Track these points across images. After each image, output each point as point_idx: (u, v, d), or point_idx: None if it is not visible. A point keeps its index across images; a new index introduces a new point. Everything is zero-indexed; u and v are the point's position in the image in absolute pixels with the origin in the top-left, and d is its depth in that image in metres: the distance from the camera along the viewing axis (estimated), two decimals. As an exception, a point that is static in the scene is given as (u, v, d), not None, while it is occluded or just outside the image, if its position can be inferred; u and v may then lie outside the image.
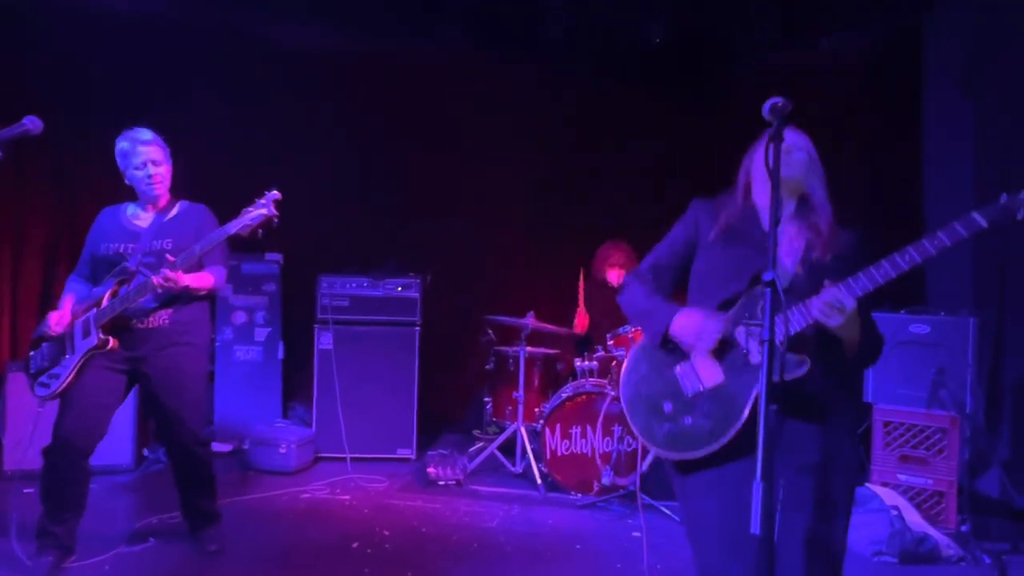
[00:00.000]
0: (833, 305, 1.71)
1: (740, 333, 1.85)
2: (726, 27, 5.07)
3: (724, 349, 1.85)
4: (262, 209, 2.82)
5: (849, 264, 1.82)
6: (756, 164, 2.02)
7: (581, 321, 5.04)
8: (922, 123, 4.67)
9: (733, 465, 1.80)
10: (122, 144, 3.01)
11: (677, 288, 2.10)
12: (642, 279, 2.10)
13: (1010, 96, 4.12)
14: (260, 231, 2.86)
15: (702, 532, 1.86)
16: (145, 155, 3.00)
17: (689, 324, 1.89)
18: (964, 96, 4.36)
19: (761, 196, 1.97)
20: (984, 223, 1.69)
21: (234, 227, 2.82)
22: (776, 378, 1.54)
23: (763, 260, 1.80)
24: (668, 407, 1.90)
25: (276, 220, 2.84)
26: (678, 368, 1.93)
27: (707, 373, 1.87)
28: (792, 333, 1.79)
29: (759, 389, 1.75)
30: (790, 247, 1.91)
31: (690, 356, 1.91)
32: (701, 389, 1.87)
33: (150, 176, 3.01)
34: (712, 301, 1.93)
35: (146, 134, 3.02)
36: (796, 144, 1.95)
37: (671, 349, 1.94)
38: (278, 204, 2.84)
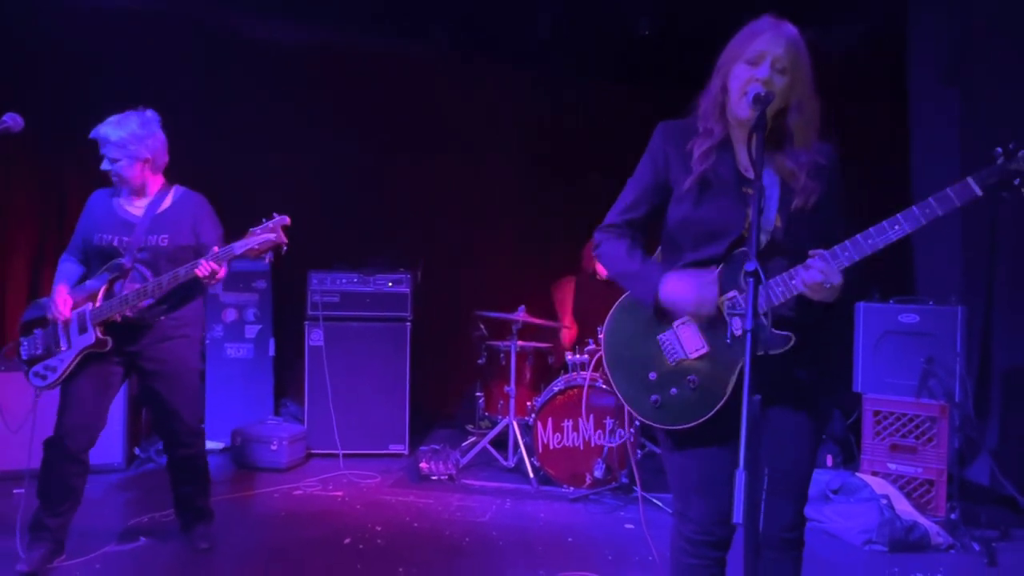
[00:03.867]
0: (823, 285, 1.65)
1: (723, 304, 1.79)
2: (711, 19, 5.07)
3: (709, 319, 1.80)
4: (270, 235, 2.77)
5: (825, 193, 1.76)
6: (735, 75, 1.75)
7: (569, 336, 5.04)
8: (909, 112, 4.68)
9: (717, 434, 1.79)
10: (96, 127, 2.97)
11: (653, 232, 1.97)
12: (617, 233, 1.94)
13: (996, 83, 4.13)
14: (267, 256, 2.83)
15: (681, 479, 1.88)
16: (102, 149, 2.96)
17: (683, 291, 1.76)
18: (950, 84, 4.37)
19: (741, 110, 1.74)
20: (979, 190, 1.57)
21: (240, 248, 2.78)
22: (760, 352, 1.52)
23: (741, 214, 1.76)
24: (652, 375, 1.86)
25: (285, 247, 2.80)
26: (661, 336, 1.86)
27: (690, 343, 1.82)
28: (776, 304, 1.72)
29: (743, 362, 1.72)
30: (770, 192, 1.76)
31: (673, 324, 1.84)
32: (683, 358, 1.82)
33: (106, 171, 2.98)
34: (684, 263, 1.84)
35: (112, 132, 2.92)
36: (774, 54, 1.70)
37: (660, 314, 1.84)
38: (286, 230, 2.80)
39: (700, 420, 1.79)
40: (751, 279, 1.46)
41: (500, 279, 5.98)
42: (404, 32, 5.46)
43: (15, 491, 3.84)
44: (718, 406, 1.77)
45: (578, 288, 5.24)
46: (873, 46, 4.95)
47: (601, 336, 4.49)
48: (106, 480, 4.18)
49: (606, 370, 1.97)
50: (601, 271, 5.03)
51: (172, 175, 3.15)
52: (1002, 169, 1.57)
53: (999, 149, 1.57)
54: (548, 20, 5.23)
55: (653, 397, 1.85)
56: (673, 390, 1.83)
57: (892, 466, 3.89)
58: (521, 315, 4.57)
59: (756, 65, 1.72)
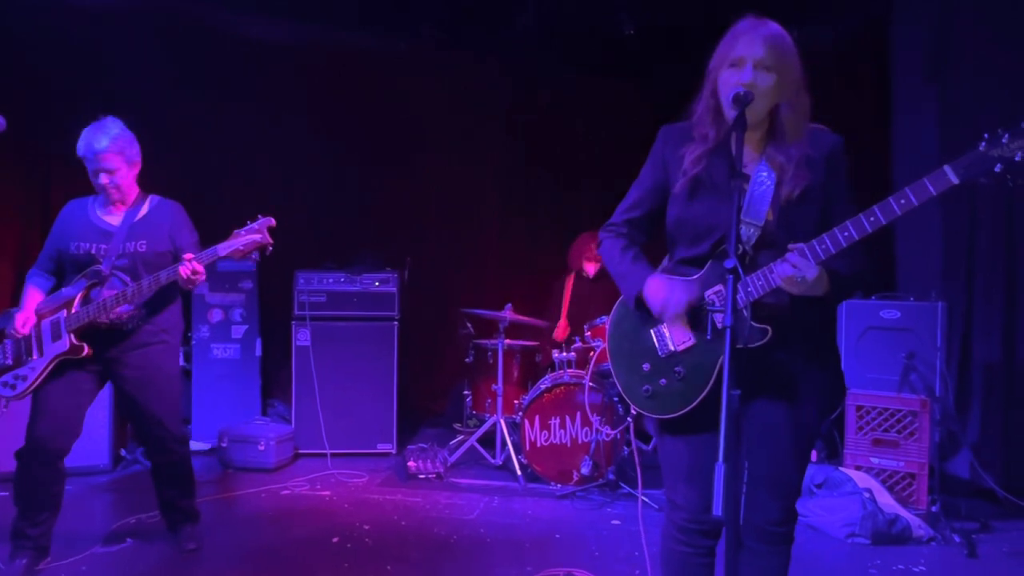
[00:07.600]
0: (795, 279, 1.68)
1: (710, 297, 1.83)
2: (696, 17, 5.10)
3: (695, 313, 1.85)
4: (255, 235, 2.76)
5: (822, 183, 1.78)
6: (723, 81, 1.80)
7: (561, 330, 5.05)
8: (892, 111, 4.73)
9: (705, 424, 1.81)
10: (80, 146, 2.90)
11: (655, 231, 2.03)
12: (616, 233, 2.03)
13: (975, 80, 4.18)
14: (253, 256, 2.82)
15: (672, 468, 1.94)
16: (97, 163, 2.89)
17: (657, 293, 1.85)
18: (931, 81, 4.42)
19: (731, 113, 1.77)
20: (955, 179, 1.57)
21: (224, 249, 2.76)
22: (740, 345, 1.55)
23: (729, 211, 1.73)
24: (646, 367, 1.92)
25: (270, 248, 2.79)
26: (654, 329, 1.92)
27: (678, 336, 1.87)
28: (756, 297, 1.76)
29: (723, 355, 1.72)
30: (761, 186, 1.79)
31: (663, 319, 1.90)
32: (672, 351, 1.88)
33: (103, 186, 2.93)
34: (677, 260, 1.92)
35: (102, 141, 2.87)
36: (755, 56, 1.73)
37: (645, 312, 1.91)
38: (271, 231, 2.79)
39: (684, 410, 1.85)
40: (730, 276, 1.49)
41: (487, 277, 6.00)
42: (391, 30, 5.47)
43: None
44: (700, 397, 1.83)
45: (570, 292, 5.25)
46: (856, 44, 5.00)
47: (588, 334, 4.52)
48: (92, 482, 4.16)
49: (609, 359, 2.04)
50: (588, 270, 5.07)
51: (160, 175, 3.14)
52: (983, 155, 1.57)
53: (986, 135, 1.57)
54: (533, 18, 5.24)
55: (645, 387, 1.93)
56: (663, 381, 1.90)
57: (874, 460, 3.94)
58: (508, 313, 4.59)
59: (739, 68, 1.76)
